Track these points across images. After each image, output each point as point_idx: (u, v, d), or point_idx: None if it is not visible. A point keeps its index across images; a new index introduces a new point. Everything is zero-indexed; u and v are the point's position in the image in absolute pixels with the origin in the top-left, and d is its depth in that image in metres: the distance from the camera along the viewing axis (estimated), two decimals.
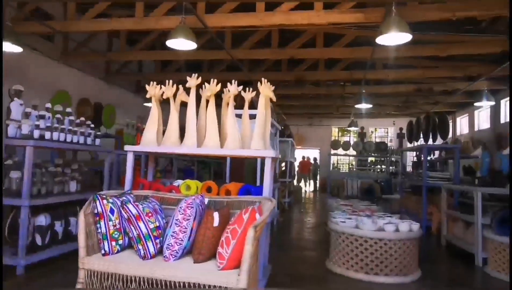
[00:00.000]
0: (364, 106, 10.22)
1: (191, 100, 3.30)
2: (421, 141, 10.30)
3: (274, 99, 3.29)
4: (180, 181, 3.46)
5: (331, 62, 10.02)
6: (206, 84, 3.29)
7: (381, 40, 5.16)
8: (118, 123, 10.85)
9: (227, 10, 6.42)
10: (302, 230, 7.13)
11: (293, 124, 19.00)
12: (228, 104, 3.32)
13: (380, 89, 11.99)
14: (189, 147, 3.21)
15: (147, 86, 3.41)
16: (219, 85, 3.26)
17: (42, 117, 3.62)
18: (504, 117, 11.80)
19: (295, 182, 13.40)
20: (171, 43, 5.46)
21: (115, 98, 11.37)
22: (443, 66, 9.67)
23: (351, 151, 13.38)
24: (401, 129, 18.36)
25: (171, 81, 3.38)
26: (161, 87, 3.46)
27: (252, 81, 10.37)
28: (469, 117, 14.38)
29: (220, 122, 3.43)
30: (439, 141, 9.32)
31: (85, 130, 4.22)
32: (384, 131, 19.99)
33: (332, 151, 13.46)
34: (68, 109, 4.14)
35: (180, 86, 3.44)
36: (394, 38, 5.06)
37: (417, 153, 10.00)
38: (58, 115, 3.90)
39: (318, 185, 19.05)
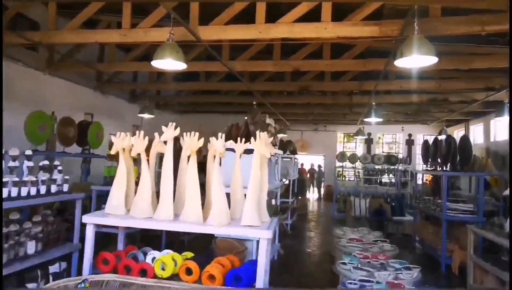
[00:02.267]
0: (373, 119, 9.46)
1: (167, 158, 2.59)
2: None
3: (269, 156, 2.58)
4: (156, 254, 2.77)
5: (338, 72, 9.26)
6: (184, 136, 2.58)
7: (401, 62, 4.42)
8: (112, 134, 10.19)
9: (223, 21, 5.69)
10: (306, 266, 6.41)
11: (297, 129, 18.28)
12: (214, 159, 2.61)
13: (391, 99, 11.20)
14: (161, 220, 2.50)
15: (112, 137, 2.70)
16: (201, 140, 2.55)
17: None
18: None
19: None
20: (158, 63, 4.74)
21: (109, 108, 10.71)
22: (462, 76, 8.89)
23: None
24: (410, 135, 17.65)
25: (141, 133, 2.66)
26: (134, 134, 2.75)
27: (253, 92, 9.67)
28: (485, 126, 13.56)
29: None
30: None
31: (47, 177, 3.54)
32: (392, 137, 19.18)
33: (338, 163, 12.72)
34: (28, 152, 3.46)
35: (156, 135, 2.72)
36: (416, 60, 4.31)
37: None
38: (12, 163, 3.22)
39: (322, 193, 18.30)
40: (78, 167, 7.74)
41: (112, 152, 2.69)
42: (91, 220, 2.53)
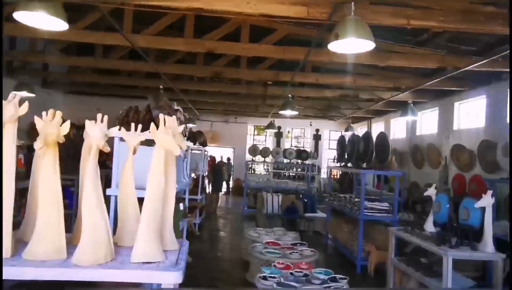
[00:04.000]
0: (289, 112, 9.06)
1: (6, 149, 1.54)
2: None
3: (178, 153, 1.70)
4: None
5: (255, 59, 8.60)
6: (36, 118, 1.56)
7: (335, 46, 3.85)
8: None
9: None
10: (218, 277, 5.62)
11: (207, 120, 17.38)
12: (90, 159, 1.63)
13: (304, 92, 11.01)
14: None
15: None
16: (67, 124, 1.56)
17: None
18: (420, 129, 11.74)
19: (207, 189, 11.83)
20: (21, 16, 3.45)
21: None
22: (375, 74, 8.97)
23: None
24: (317, 130, 18.04)
25: None
26: None
27: (160, 74, 8.51)
28: (385, 124, 14.33)
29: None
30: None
31: None
32: (301, 132, 19.47)
33: (249, 157, 12.23)
34: None
35: None
36: (352, 44, 3.79)
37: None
38: None
39: (231, 187, 17.76)
40: None
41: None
42: None
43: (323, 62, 8.33)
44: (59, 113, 1.55)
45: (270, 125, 13.28)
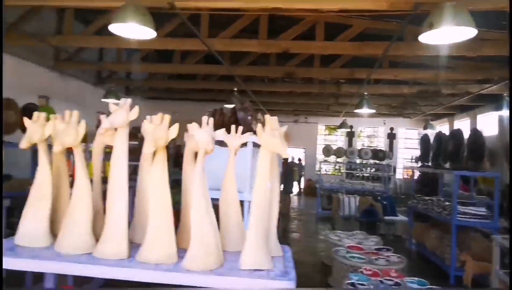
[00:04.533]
0: (366, 111, 8.66)
1: (118, 156, 1.58)
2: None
3: (286, 155, 1.61)
4: None
5: (328, 57, 8.36)
6: (145, 122, 1.58)
7: (428, 37, 3.54)
8: None
9: None
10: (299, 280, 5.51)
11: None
12: (195, 159, 1.63)
13: (379, 89, 10.49)
14: (105, 259, 1.50)
15: (103, 118, 1.68)
16: (176, 127, 1.55)
17: None
18: None
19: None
20: (116, 28, 3.66)
21: (69, 91, 9.42)
22: (461, 66, 8.22)
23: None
24: (391, 129, 17.10)
25: (75, 114, 1.65)
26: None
27: (234, 77, 8.65)
28: (471, 120, 13.11)
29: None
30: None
31: None
32: (373, 131, 18.64)
33: (321, 157, 11.96)
34: None
35: (102, 118, 1.70)
36: (448, 34, 3.45)
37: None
38: None
39: (302, 187, 17.55)
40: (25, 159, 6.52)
41: (25, 144, 1.66)
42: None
43: (404, 57, 7.83)
44: (167, 117, 1.56)
45: (343, 125, 12.88)
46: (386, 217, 8.34)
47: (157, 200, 1.53)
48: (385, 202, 8.54)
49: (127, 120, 1.58)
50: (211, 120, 1.61)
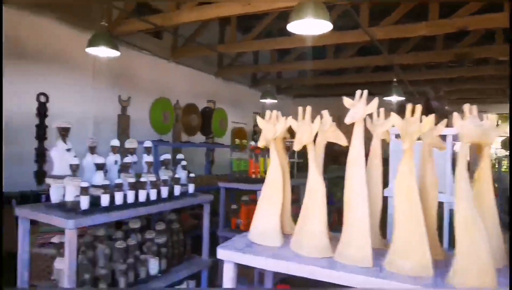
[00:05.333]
0: None
1: (356, 149, 1.46)
2: None
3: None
4: None
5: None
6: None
7: None
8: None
9: None
10: None
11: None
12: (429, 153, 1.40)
13: None
14: (348, 268, 1.39)
15: (259, 120, 1.69)
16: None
17: (100, 168, 2.25)
18: None
19: None
20: (295, 27, 3.67)
21: (230, 94, 10.27)
22: None
23: None
24: None
25: (309, 111, 1.59)
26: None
27: (393, 66, 8.02)
28: None
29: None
30: None
31: (170, 175, 2.77)
32: None
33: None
34: (147, 143, 2.73)
35: (325, 114, 1.61)
36: None
37: None
38: (129, 158, 2.50)
39: None
40: (200, 157, 7.30)
41: (262, 143, 1.68)
42: (230, 256, 1.55)
43: None
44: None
45: None
46: None
47: (405, 202, 1.35)
48: None
49: (363, 115, 1.45)
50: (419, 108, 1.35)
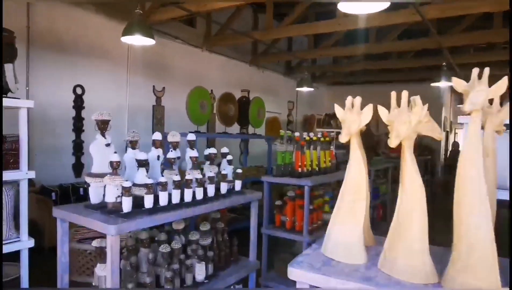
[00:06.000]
0: None
1: (472, 142, 1.12)
2: None
3: None
4: None
5: None
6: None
7: None
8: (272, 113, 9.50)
9: None
10: None
11: None
12: None
13: None
14: None
15: (337, 108, 1.38)
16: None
17: (142, 164, 2.02)
18: None
19: None
20: (346, 6, 3.28)
21: (264, 83, 9.95)
22: None
23: None
24: None
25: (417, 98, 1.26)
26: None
27: (442, 49, 7.42)
28: None
29: None
30: None
31: (214, 171, 2.51)
32: None
33: None
34: (190, 136, 2.48)
35: (417, 100, 1.27)
36: None
37: None
38: (173, 153, 2.25)
39: None
40: (233, 149, 7.07)
41: (345, 138, 1.36)
42: (307, 277, 1.25)
43: None
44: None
45: None
46: None
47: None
48: None
49: (482, 104, 1.10)
50: None
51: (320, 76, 12.33)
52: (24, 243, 2.58)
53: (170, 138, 2.38)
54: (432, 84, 7.43)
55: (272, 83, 10.46)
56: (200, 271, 2.38)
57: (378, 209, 6.15)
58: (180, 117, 7.19)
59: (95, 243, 2.14)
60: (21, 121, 2.57)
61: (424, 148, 9.63)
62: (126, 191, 1.87)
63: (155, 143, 2.29)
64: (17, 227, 2.65)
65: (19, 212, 2.65)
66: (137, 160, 2.06)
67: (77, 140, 5.60)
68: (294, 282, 1.31)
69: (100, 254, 2.15)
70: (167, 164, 2.28)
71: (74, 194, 5.03)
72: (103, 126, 2.02)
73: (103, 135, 2.05)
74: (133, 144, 2.16)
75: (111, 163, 1.92)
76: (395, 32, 7.80)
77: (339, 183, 4.73)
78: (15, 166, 2.62)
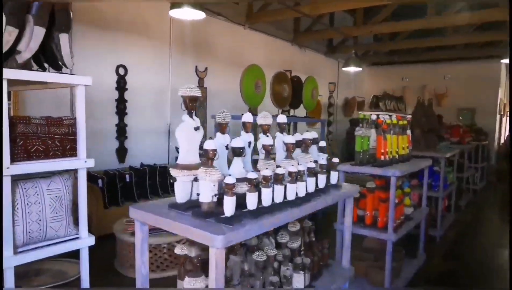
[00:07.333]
0: None
1: None
2: None
3: None
4: None
5: None
6: None
7: None
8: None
9: None
10: None
11: None
12: None
13: None
14: None
15: None
16: None
17: (238, 153, 1.58)
18: None
19: None
20: None
21: (305, 63, 9.36)
22: None
23: None
24: None
25: None
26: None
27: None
28: None
29: None
30: None
31: (310, 160, 2.05)
32: None
33: None
34: (281, 118, 2.02)
35: None
36: None
37: None
38: (268, 139, 1.80)
39: None
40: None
41: None
42: None
43: None
44: None
45: None
46: None
47: None
48: None
49: None
50: None
51: (361, 57, 11.58)
52: (85, 240, 2.25)
53: (260, 120, 1.91)
54: (503, 61, 6.67)
55: (314, 63, 9.86)
56: (298, 283, 1.95)
57: (444, 200, 5.59)
58: (223, 100, 6.77)
59: (178, 251, 1.73)
60: (79, 101, 2.20)
61: (480, 131, 8.87)
62: (229, 188, 1.43)
63: (245, 127, 1.83)
64: (75, 222, 2.32)
65: (76, 205, 2.31)
66: (232, 148, 1.62)
67: (121, 123, 5.26)
68: None
69: (184, 263, 1.75)
70: (247, 152, 1.79)
71: (120, 181, 4.72)
72: (191, 104, 1.58)
73: (191, 116, 1.61)
74: (223, 128, 1.71)
75: (205, 151, 1.48)
76: (454, 7, 7.01)
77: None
78: (73, 153, 2.27)
